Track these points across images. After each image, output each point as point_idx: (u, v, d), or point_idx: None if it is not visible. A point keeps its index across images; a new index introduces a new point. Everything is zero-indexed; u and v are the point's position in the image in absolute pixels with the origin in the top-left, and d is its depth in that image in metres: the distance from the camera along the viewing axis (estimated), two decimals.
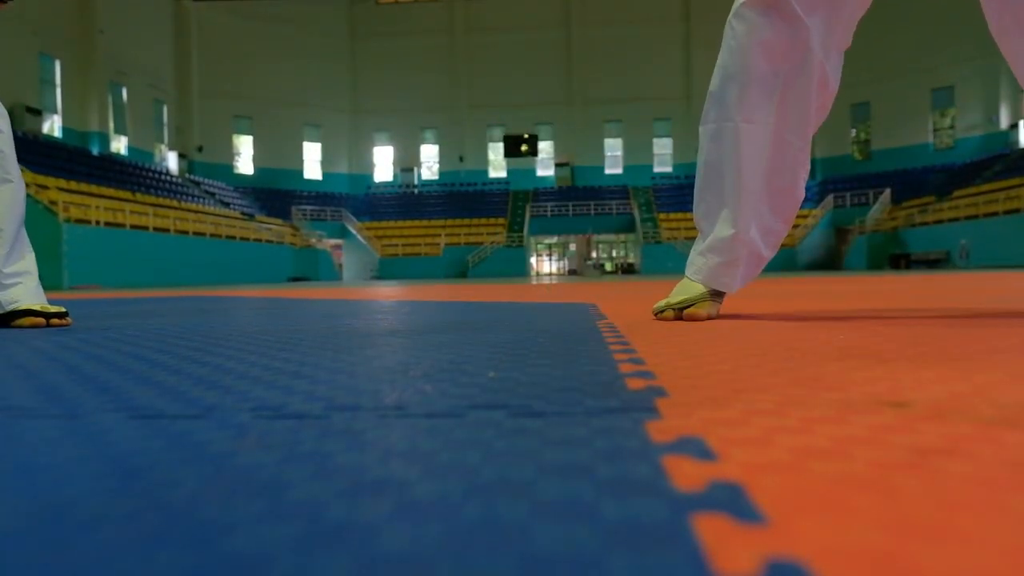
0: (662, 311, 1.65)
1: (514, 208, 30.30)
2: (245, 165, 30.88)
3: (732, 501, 0.34)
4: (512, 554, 0.28)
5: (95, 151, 22.87)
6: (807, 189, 1.74)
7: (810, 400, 0.61)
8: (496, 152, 33.16)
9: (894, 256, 22.23)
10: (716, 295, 1.67)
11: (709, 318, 1.61)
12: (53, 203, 15.28)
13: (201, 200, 24.40)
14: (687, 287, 1.67)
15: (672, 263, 23.25)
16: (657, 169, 32.08)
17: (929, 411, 0.55)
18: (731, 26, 1.60)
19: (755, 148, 1.59)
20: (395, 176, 33.42)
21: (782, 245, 1.77)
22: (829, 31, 1.57)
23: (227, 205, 26.06)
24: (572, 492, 0.36)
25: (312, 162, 32.47)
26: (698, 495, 0.36)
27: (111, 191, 19.23)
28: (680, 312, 1.62)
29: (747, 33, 1.58)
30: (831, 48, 1.59)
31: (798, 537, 0.30)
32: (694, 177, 1.72)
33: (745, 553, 0.28)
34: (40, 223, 14.73)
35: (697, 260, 1.68)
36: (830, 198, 26.51)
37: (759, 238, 1.64)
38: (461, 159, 32.95)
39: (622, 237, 29.36)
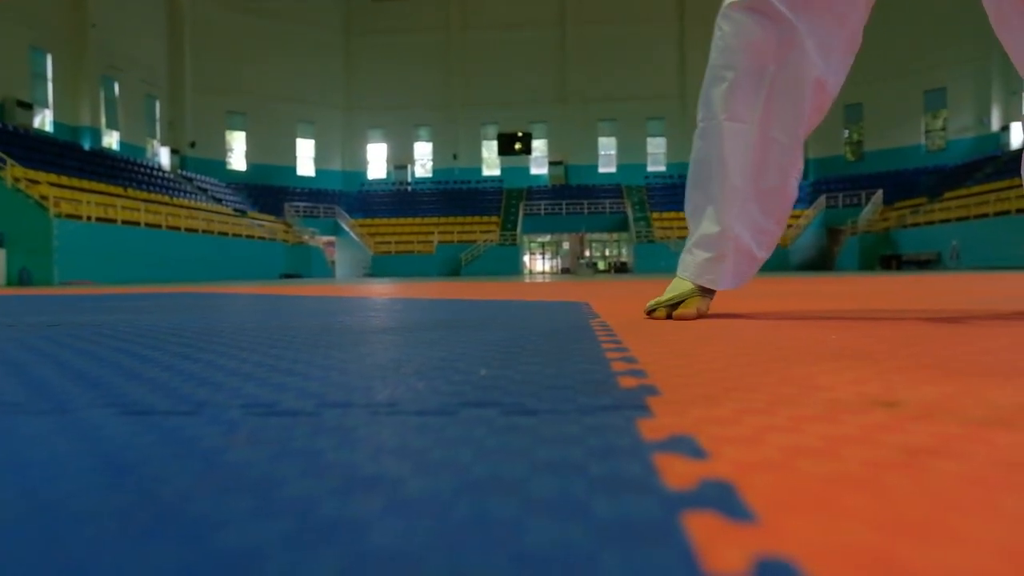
0: (654, 310, 1.66)
1: (507, 206, 30.27)
2: (238, 161, 30.73)
3: (723, 499, 0.34)
4: (503, 551, 0.28)
5: (86, 146, 22.72)
6: (799, 189, 1.75)
7: (801, 399, 0.61)
8: (490, 150, 33.12)
9: (885, 257, 22.33)
10: (705, 292, 1.67)
11: (699, 315, 1.62)
12: (44, 198, 15.17)
13: (193, 196, 24.28)
14: (677, 285, 1.68)
15: (665, 262, 23.28)
16: (651, 168, 32.08)
17: (920, 411, 0.56)
18: (719, 26, 1.62)
19: (739, 146, 1.60)
20: (389, 173, 33.32)
21: None
22: (828, 32, 1.56)
23: (219, 201, 25.93)
24: (564, 490, 0.36)
25: (305, 159, 32.34)
26: (689, 493, 0.36)
27: (102, 186, 19.11)
28: (671, 311, 1.63)
29: (734, 33, 1.59)
30: (831, 49, 1.58)
31: (788, 535, 0.30)
32: (688, 177, 1.73)
33: (735, 551, 0.28)
34: (31, 218, 14.66)
35: (686, 257, 1.69)
36: (822, 199, 26.60)
37: (749, 237, 1.65)
38: (455, 157, 32.88)
39: (615, 236, 29.37)
